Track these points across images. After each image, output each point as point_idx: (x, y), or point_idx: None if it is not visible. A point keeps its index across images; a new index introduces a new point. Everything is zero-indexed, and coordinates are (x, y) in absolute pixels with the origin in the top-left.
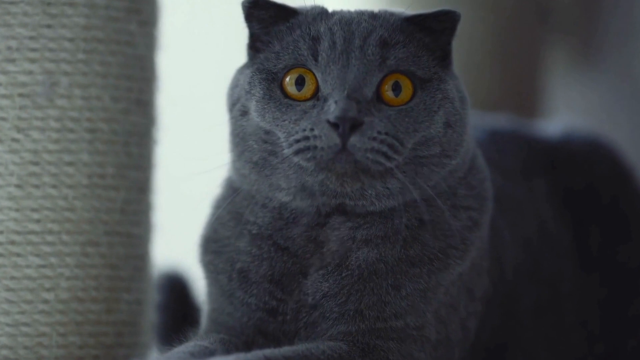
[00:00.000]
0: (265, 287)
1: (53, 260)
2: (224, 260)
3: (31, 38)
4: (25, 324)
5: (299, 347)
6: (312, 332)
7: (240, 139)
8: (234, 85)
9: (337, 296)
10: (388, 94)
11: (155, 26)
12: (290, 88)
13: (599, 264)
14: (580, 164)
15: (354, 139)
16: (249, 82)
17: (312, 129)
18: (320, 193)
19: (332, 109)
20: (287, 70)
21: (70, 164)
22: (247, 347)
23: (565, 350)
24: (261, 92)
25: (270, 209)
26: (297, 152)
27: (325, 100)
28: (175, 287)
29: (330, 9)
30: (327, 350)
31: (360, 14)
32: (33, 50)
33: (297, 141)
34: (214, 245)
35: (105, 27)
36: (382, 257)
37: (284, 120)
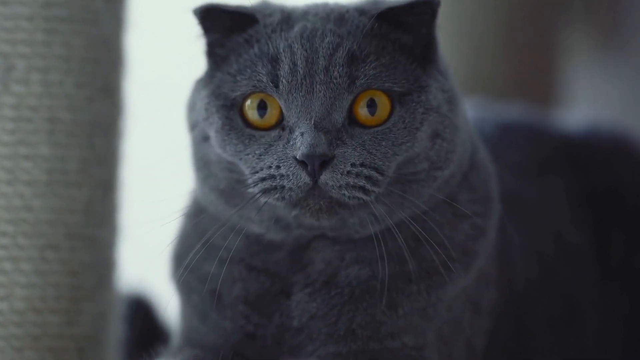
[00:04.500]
0: (239, 310)
1: (7, 265)
2: (195, 278)
3: None
4: None
5: None
6: (297, 355)
7: (203, 164)
8: (192, 106)
9: (327, 317)
10: (362, 112)
11: (123, 3)
12: (251, 113)
13: (624, 272)
14: (604, 162)
15: (325, 177)
16: (206, 109)
17: (278, 167)
18: (296, 226)
19: (299, 144)
20: (246, 96)
21: (27, 157)
22: None
23: None
24: (219, 122)
25: (243, 236)
26: (263, 192)
27: (291, 130)
28: (140, 311)
29: (292, 9)
30: None
31: (326, 19)
32: None
33: (263, 179)
34: (184, 261)
35: (67, 4)
36: (375, 274)
37: (247, 154)
